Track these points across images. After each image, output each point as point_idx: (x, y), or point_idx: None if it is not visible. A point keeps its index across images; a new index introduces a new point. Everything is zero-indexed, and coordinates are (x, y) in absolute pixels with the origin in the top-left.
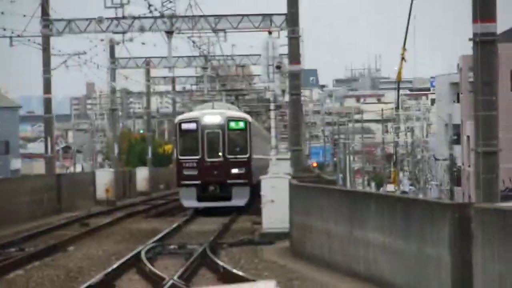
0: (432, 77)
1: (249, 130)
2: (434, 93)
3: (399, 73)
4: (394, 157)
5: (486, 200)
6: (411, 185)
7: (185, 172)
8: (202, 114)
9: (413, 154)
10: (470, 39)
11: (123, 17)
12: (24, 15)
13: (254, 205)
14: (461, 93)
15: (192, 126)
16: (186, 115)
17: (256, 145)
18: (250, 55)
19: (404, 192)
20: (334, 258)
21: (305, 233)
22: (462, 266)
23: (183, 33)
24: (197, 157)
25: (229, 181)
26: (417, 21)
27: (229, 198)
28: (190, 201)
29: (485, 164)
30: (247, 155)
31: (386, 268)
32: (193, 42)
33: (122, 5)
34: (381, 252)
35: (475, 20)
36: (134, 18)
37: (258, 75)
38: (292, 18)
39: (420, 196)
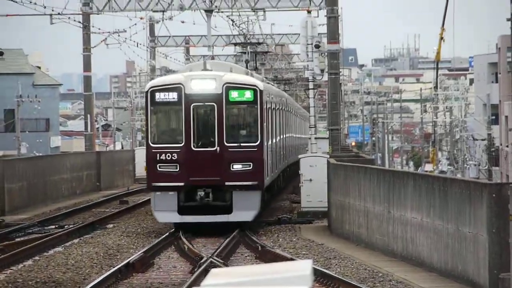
0: (470, 57)
1: (261, 103)
2: (472, 73)
3: (438, 53)
4: (433, 136)
5: None
6: (449, 164)
7: (160, 169)
8: (188, 78)
9: (451, 134)
10: (508, 19)
11: None
12: None
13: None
14: (500, 73)
15: (172, 96)
16: (163, 79)
17: (275, 124)
18: (289, 34)
19: (442, 171)
20: (372, 237)
21: (343, 212)
22: (500, 245)
23: (222, 12)
24: (178, 145)
25: (228, 183)
26: (456, 0)
27: (227, 209)
28: (167, 214)
29: None
30: (257, 142)
31: (424, 247)
32: (232, 21)
33: None
34: (418, 231)
35: None
36: None
37: (297, 54)
38: None
39: (458, 175)
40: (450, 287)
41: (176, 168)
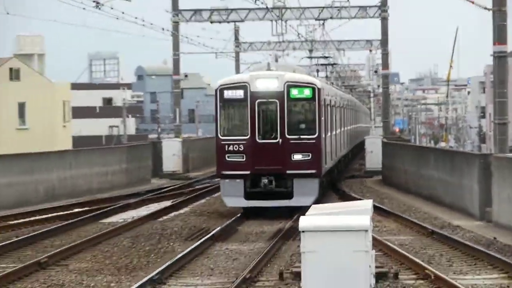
0: (468, 78)
1: (319, 100)
2: (469, 88)
3: (448, 75)
4: (445, 126)
5: (500, 152)
6: (455, 142)
7: (229, 159)
8: (253, 77)
9: (456, 124)
10: (491, 55)
11: (283, 41)
12: (224, 40)
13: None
14: (486, 88)
15: (239, 94)
16: (230, 79)
17: (337, 118)
18: (358, 64)
19: (451, 147)
20: (409, 186)
21: (391, 171)
22: (485, 192)
23: (318, 51)
24: (244, 137)
25: (289, 171)
26: (459, 39)
27: (288, 195)
28: (235, 199)
29: (500, 130)
30: (315, 135)
31: (440, 192)
32: (325, 57)
33: (282, 34)
34: (437, 182)
35: (494, 43)
36: (289, 42)
37: (363, 76)
38: (384, 42)
39: (461, 149)
40: (457, 216)
41: (243, 158)
